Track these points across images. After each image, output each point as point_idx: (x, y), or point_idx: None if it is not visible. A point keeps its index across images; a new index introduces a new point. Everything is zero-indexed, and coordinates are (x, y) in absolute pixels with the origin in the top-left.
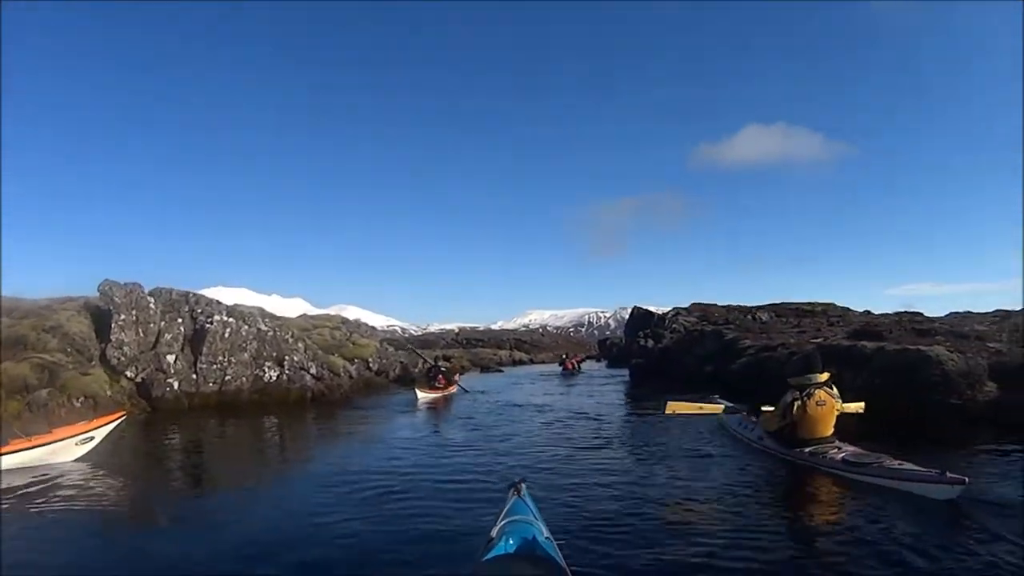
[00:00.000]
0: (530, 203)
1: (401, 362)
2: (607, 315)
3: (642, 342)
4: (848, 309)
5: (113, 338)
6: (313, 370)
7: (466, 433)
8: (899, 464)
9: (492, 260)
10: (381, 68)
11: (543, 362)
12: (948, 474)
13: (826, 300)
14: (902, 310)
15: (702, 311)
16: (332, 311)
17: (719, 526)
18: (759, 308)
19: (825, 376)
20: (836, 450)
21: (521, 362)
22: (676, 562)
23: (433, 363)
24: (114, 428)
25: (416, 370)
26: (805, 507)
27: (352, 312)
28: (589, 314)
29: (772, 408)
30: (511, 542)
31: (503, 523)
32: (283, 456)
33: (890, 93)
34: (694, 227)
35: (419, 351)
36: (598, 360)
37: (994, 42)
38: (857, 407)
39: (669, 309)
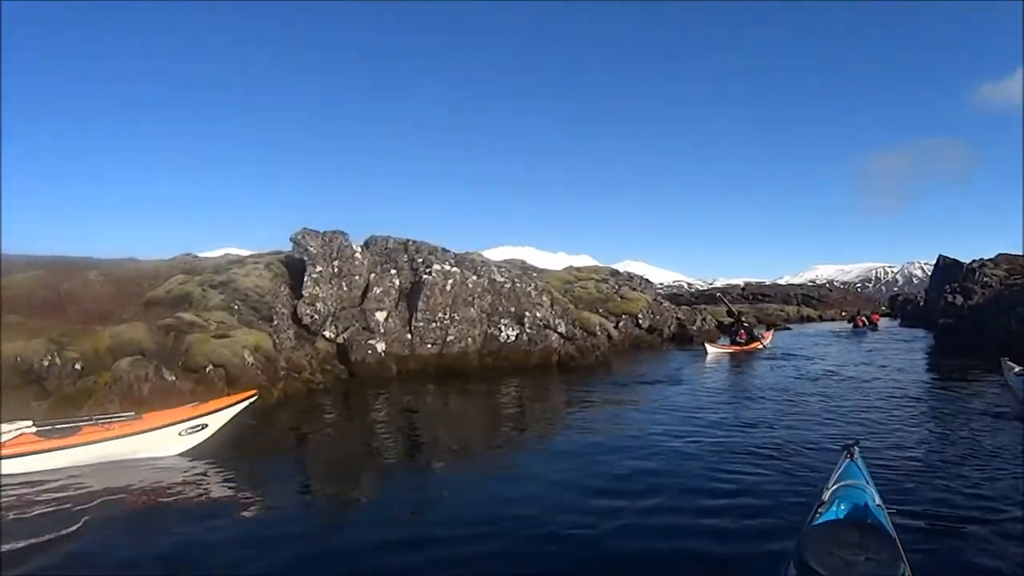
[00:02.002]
0: (812, 152)
1: (678, 318)
2: (894, 270)
3: (949, 298)
4: None
5: (306, 293)
6: (561, 328)
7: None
8: None
9: (778, 213)
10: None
11: (832, 319)
12: None
13: None
14: None
15: (1011, 263)
16: (618, 267)
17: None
18: None
19: None
20: None
21: (809, 318)
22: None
23: (736, 317)
24: (238, 413)
25: (695, 327)
26: None
27: (636, 267)
28: (876, 269)
29: None
30: (842, 507)
31: (835, 487)
32: (532, 429)
33: None
34: (978, 174)
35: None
36: (891, 318)
37: None
38: None
39: (971, 260)
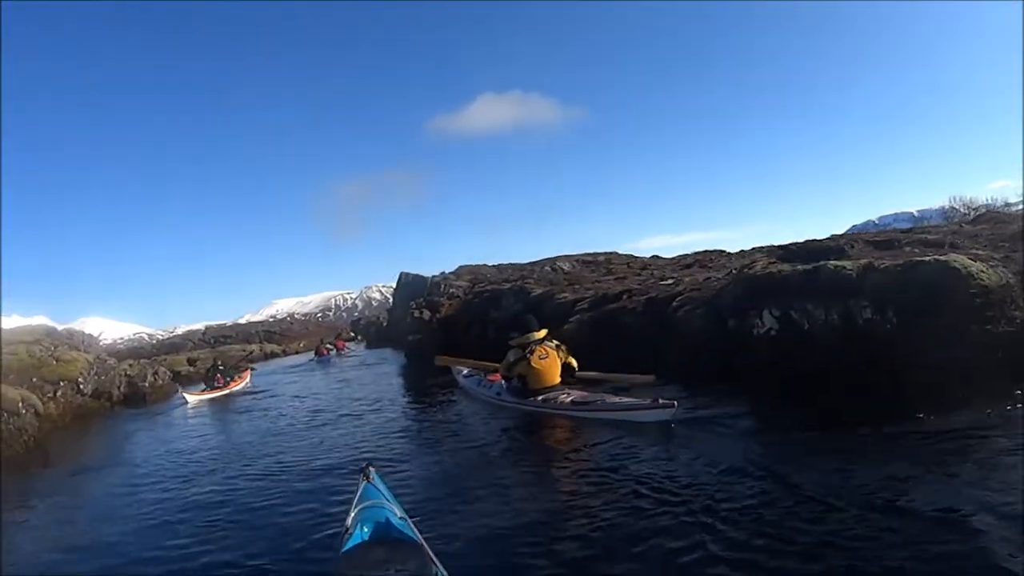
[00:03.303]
0: (267, 192)
1: (127, 376)
2: (353, 296)
3: (416, 314)
4: (633, 256)
5: None
6: None
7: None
8: (619, 399)
9: (235, 254)
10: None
11: (296, 352)
12: (660, 400)
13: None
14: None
15: (472, 273)
16: (75, 326)
17: (506, 473)
18: (556, 259)
19: (543, 333)
20: (565, 395)
21: (274, 354)
22: (488, 514)
23: (212, 363)
24: None
25: (147, 383)
26: (551, 446)
27: (96, 323)
28: (335, 297)
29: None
30: (366, 529)
31: (356, 511)
32: None
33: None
34: (434, 199)
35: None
36: (356, 342)
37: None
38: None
39: (433, 275)
